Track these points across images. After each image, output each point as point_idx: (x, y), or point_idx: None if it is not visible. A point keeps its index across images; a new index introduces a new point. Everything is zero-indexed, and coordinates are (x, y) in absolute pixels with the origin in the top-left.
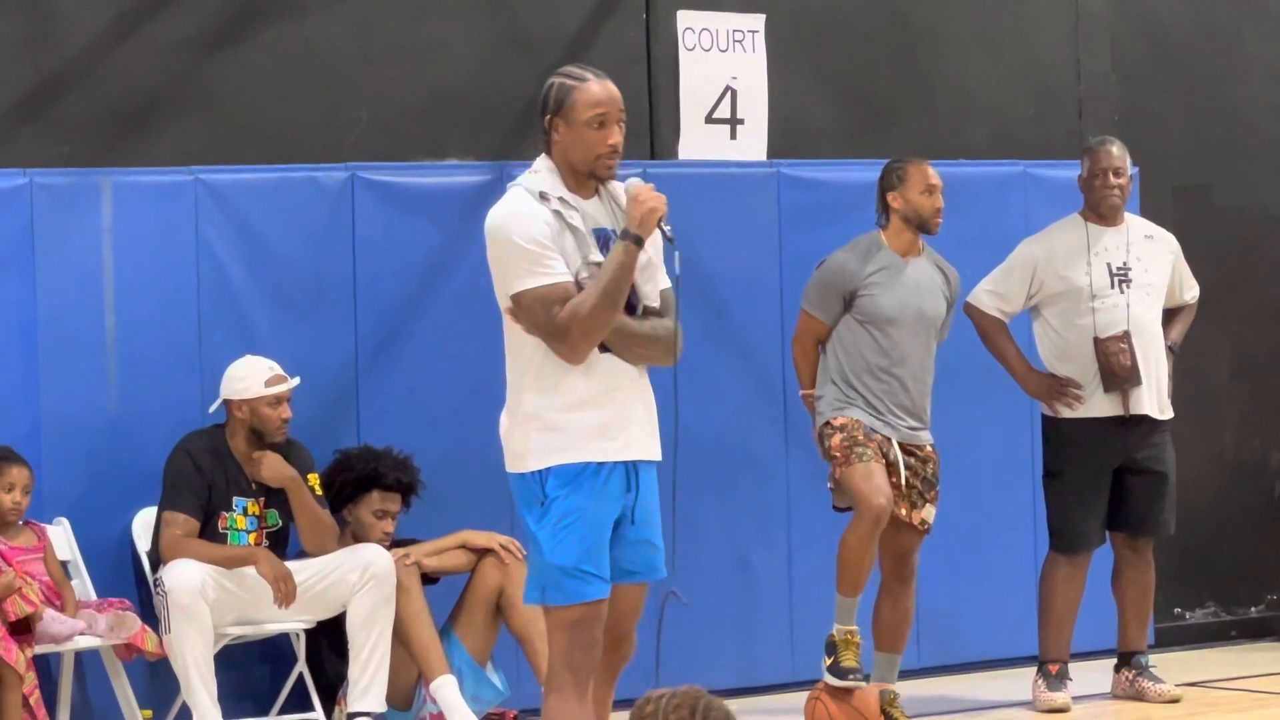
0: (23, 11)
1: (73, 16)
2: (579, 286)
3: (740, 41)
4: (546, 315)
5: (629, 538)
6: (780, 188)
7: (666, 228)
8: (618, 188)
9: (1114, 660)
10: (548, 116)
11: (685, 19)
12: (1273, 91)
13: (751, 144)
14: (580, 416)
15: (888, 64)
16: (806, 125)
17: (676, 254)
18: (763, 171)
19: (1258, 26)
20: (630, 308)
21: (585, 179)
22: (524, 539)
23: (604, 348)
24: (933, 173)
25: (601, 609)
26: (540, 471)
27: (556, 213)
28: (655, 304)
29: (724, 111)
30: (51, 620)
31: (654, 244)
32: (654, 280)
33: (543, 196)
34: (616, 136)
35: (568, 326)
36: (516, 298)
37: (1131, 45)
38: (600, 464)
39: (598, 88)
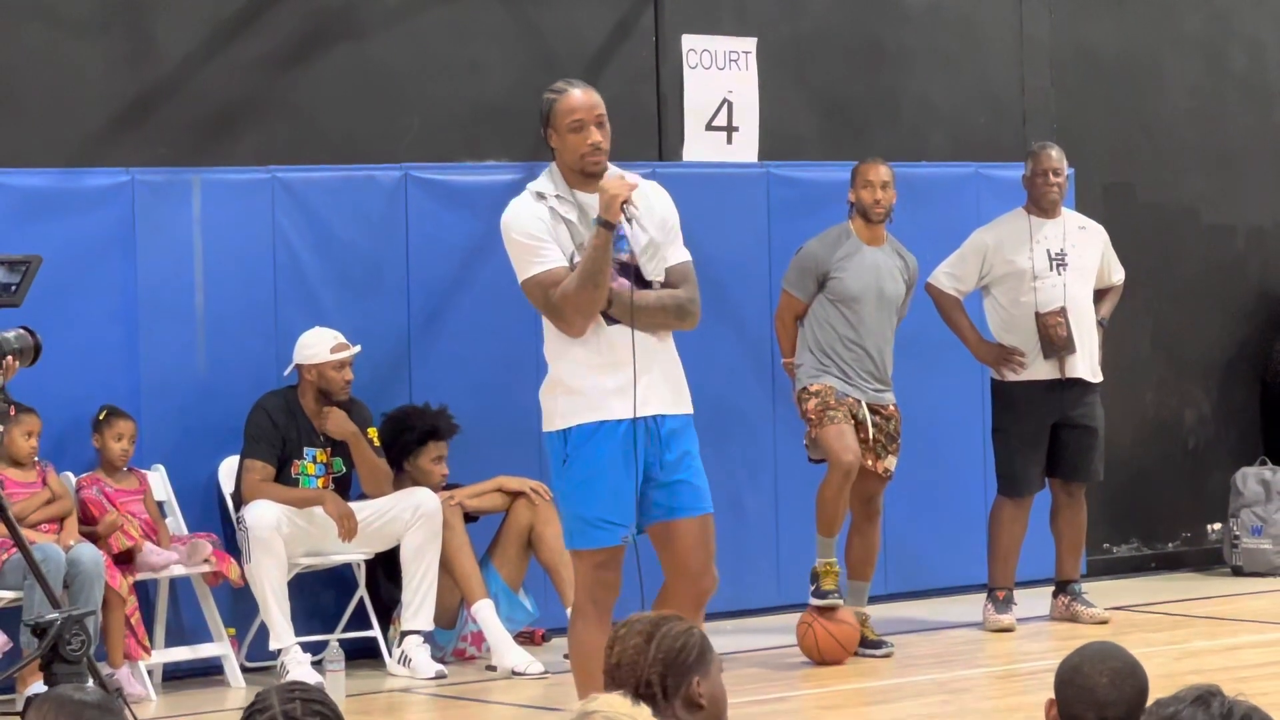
0: (126, 34)
1: (168, 37)
2: (573, 269)
3: (735, 61)
4: (545, 297)
5: (661, 481)
6: (769, 185)
7: (628, 208)
8: (646, 186)
9: (1052, 588)
10: (544, 129)
11: (688, 41)
12: (1187, 104)
13: (745, 148)
14: (596, 381)
15: (861, 80)
16: (792, 132)
17: (634, 225)
18: (754, 171)
19: (1175, 50)
20: (645, 283)
21: (585, 177)
22: (554, 489)
23: (613, 320)
24: (873, 170)
25: (619, 552)
26: (564, 430)
27: (551, 208)
28: (660, 278)
29: (721, 120)
30: (150, 553)
31: (657, 227)
32: (658, 259)
33: (540, 195)
34: (595, 136)
35: (560, 305)
36: (523, 285)
37: (1068, 65)
38: (618, 421)
39: (573, 96)
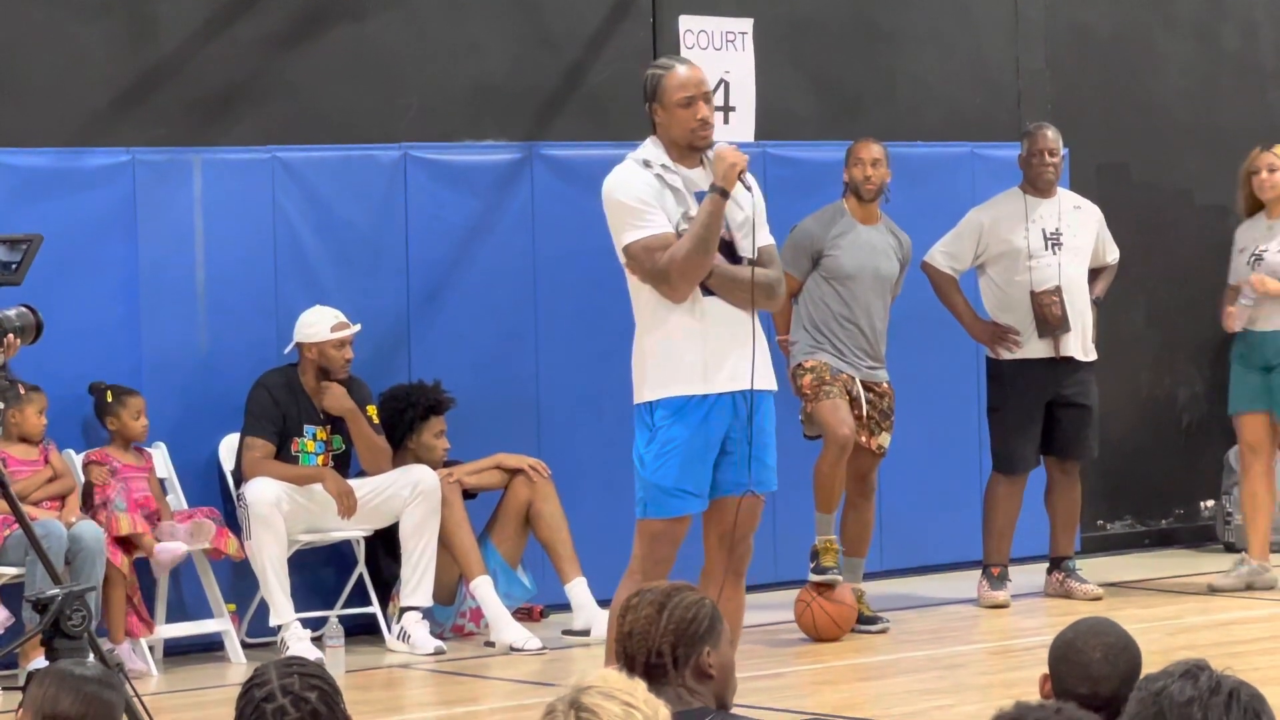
0: (127, 15)
1: (169, 18)
2: (679, 237)
3: (732, 41)
4: (650, 261)
5: (738, 457)
6: (766, 165)
7: (746, 178)
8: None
9: (1046, 564)
10: (649, 104)
11: (686, 22)
12: (1182, 84)
13: (742, 127)
14: (686, 353)
15: (856, 60)
16: (788, 112)
17: (754, 194)
18: (751, 151)
19: (1169, 30)
20: (736, 259)
21: (687, 151)
22: (636, 457)
23: (709, 291)
24: (864, 148)
25: (683, 526)
26: (651, 402)
27: (658, 176)
28: (751, 255)
29: (718, 100)
30: (162, 552)
31: (756, 206)
32: (751, 237)
33: (646, 163)
34: (704, 111)
35: (667, 269)
36: (626, 249)
37: (1063, 45)
38: (704, 395)
39: (683, 73)
